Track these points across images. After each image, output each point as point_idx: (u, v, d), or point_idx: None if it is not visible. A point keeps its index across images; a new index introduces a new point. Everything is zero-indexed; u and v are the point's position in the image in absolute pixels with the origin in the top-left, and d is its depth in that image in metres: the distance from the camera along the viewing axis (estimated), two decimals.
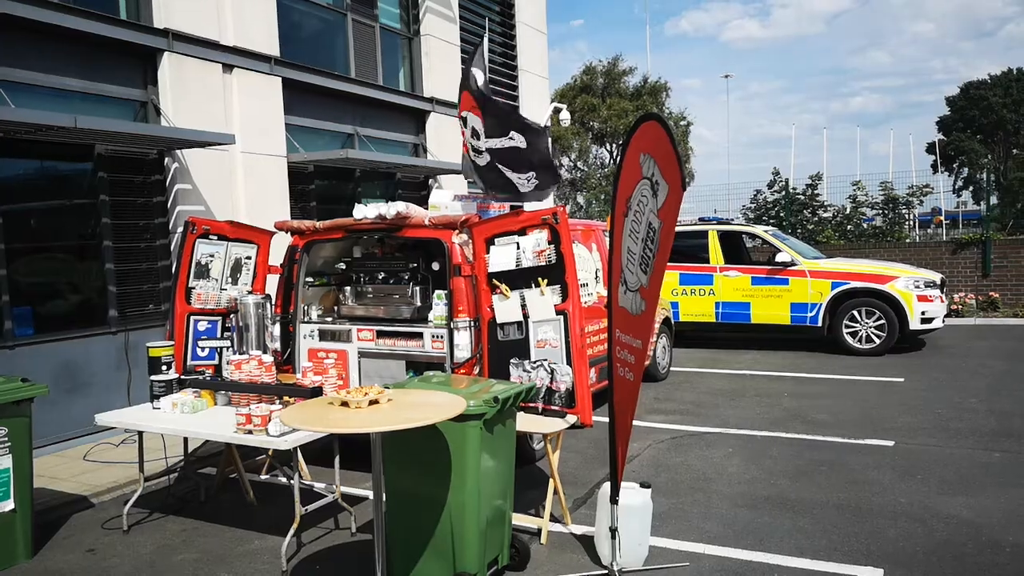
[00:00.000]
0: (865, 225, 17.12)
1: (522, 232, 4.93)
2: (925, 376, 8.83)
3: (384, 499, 3.54)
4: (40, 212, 6.76)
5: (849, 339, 10.32)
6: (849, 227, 16.97)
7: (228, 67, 8.23)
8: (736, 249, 11.53)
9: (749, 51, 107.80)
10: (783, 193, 17.42)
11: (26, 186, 6.65)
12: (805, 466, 5.71)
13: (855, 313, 10.29)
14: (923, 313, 10.06)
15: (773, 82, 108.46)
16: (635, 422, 6.96)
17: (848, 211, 17.03)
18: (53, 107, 6.57)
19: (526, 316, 4.94)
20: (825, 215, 17.25)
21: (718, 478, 5.51)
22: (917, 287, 10.14)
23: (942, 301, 10.34)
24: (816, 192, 17.50)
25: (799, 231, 16.59)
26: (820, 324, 10.41)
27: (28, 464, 4.40)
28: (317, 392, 4.52)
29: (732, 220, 13.96)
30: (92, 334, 6.94)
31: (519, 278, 4.93)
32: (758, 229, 11.79)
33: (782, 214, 17.20)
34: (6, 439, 4.26)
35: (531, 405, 4.77)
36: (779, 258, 10.67)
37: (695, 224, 11.94)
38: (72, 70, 6.88)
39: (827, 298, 10.36)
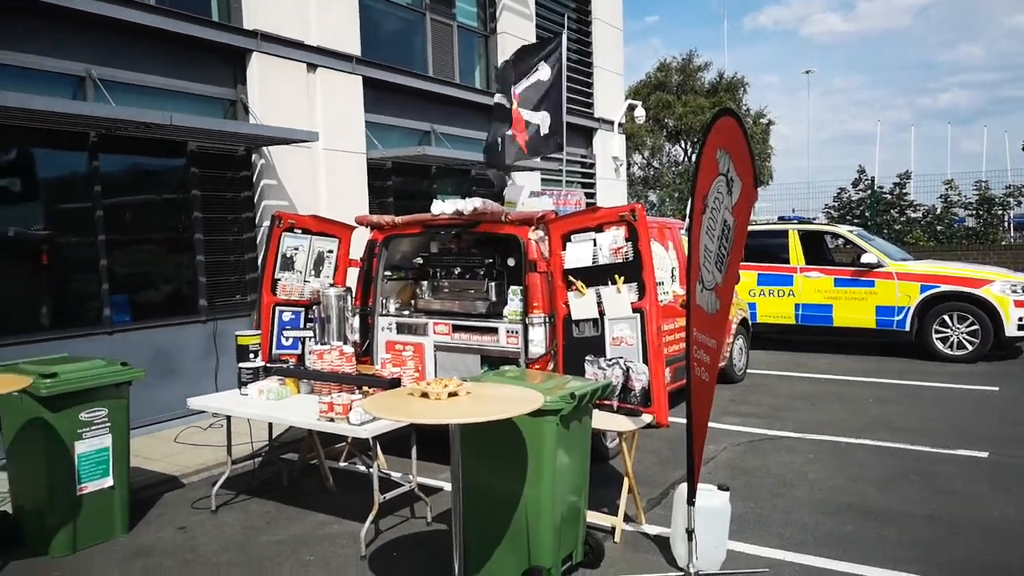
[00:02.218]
0: (957, 226, 16.33)
1: (599, 229, 4.91)
2: (1021, 385, 8.36)
3: (461, 491, 3.59)
4: (136, 206, 7.12)
5: (939, 345, 9.87)
6: (940, 228, 16.22)
7: (312, 66, 8.47)
8: (818, 249, 11.16)
9: (831, 45, 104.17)
10: (869, 192, 16.79)
11: (124, 181, 7.01)
12: (892, 475, 5.50)
13: (946, 318, 9.83)
14: (1020, 319, 9.52)
15: (856, 77, 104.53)
16: (711, 424, 6.84)
17: (939, 211, 16.29)
18: (149, 105, 6.91)
19: (602, 313, 4.92)
20: (914, 215, 16.54)
21: (799, 484, 5.36)
22: (1014, 291, 9.60)
23: None
24: (904, 191, 16.80)
25: (886, 232, 15.96)
26: (908, 329, 9.98)
27: (125, 444, 4.65)
28: (395, 383, 4.62)
29: (813, 219, 13.54)
30: (183, 322, 7.28)
31: (595, 275, 4.92)
32: (842, 229, 11.38)
33: (867, 213, 16.59)
34: (106, 420, 4.51)
35: (606, 403, 4.76)
36: (864, 259, 10.28)
37: (775, 223, 11.64)
38: (167, 70, 7.21)
39: (916, 302, 9.92)
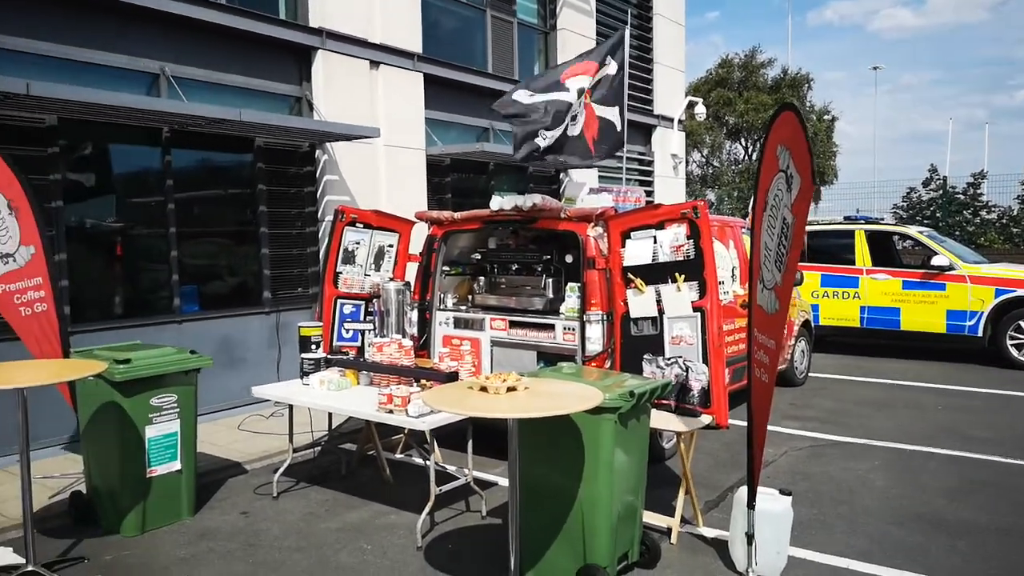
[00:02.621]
0: None
1: (660, 226, 4.85)
2: None
3: (519, 485, 3.59)
4: (205, 200, 7.34)
5: (1014, 352, 9.44)
6: (1016, 230, 15.52)
7: (375, 63, 8.59)
8: (885, 250, 10.79)
9: (900, 41, 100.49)
10: (941, 192, 16.18)
11: (194, 175, 7.24)
12: (963, 485, 5.28)
13: (1022, 323, 9.40)
14: None
15: (927, 74, 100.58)
16: (771, 428, 6.70)
17: (1015, 212, 15.58)
18: (219, 102, 7.11)
19: (661, 312, 4.85)
20: (988, 216, 15.87)
21: (864, 491, 5.20)
22: None
23: None
24: (978, 191, 16.13)
25: (958, 233, 15.36)
26: (980, 334, 9.58)
27: (193, 429, 4.79)
28: (453, 377, 4.65)
29: (881, 220, 13.10)
30: (248, 313, 7.48)
31: (655, 273, 4.85)
32: (911, 230, 10.99)
33: (939, 214, 15.99)
34: (175, 405, 4.66)
35: (664, 402, 4.69)
36: (935, 261, 9.90)
37: (840, 223, 11.30)
38: (236, 67, 7.40)
39: (990, 306, 9.51)
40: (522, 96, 6.65)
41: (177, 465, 4.70)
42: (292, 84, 7.97)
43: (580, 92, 6.75)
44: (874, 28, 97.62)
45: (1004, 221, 15.72)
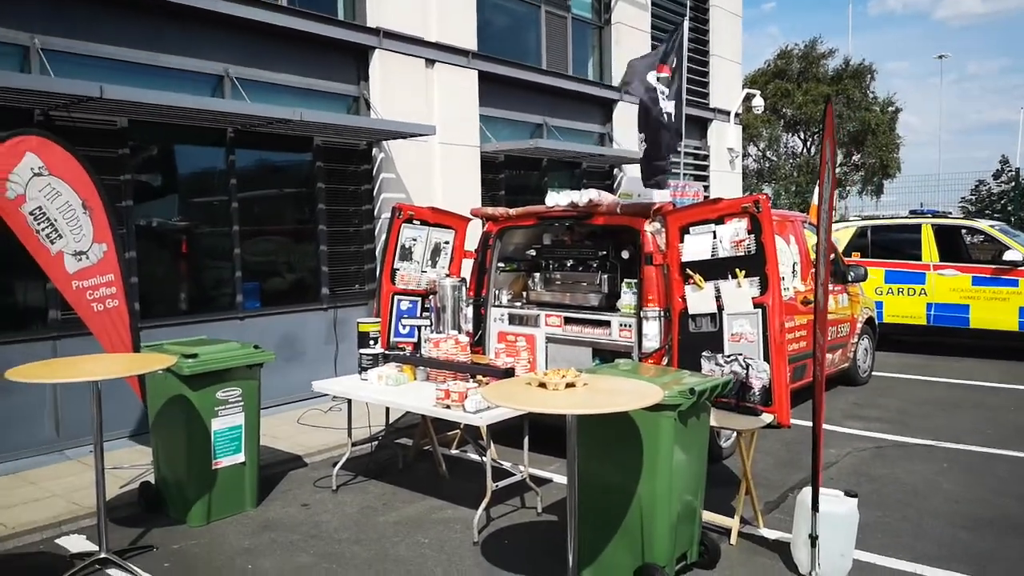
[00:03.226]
0: None
1: (720, 221, 4.74)
2: None
3: (576, 482, 3.57)
4: (266, 199, 7.51)
5: None
6: None
7: (430, 62, 8.65)
8: (953, 245, 10.39)
9: (967, 28, 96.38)
10: (1012, 184, 15.51)
11: (255, 175, 7.41)
12: None
13: None
14: None
15: (995, 62, 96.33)
16: (833, 427, 6.58)
17: None
18: (280, 102, 7.26)
19: (720, 308, 4.76)
20: None
21: (931, 494, 5.02)
22: None
23: None
24: None
25: None
26: None
27: (256, 422, 4.91)
28: (510, 373, 4.65)
29: (948, 213, 12.62)
30: (307, 309, 7.63)
31: (715, 268, 4.75)
32: (982, 224, 10.55)
33: (1010, 207, 15.33)
34: (240, 399, 4.78)
35: (724, 400, 4.60)
36: (1007, 256, 9.48)
37: (905, 217, 10.93)
38: (296, 68, 7.55)
39: None
40: (651, 78, 6.74)
41: (241, 457, 4.82)
42: (350, 84, 8.09)
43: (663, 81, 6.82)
44: (939, 16, 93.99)
45: None
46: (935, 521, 4.57)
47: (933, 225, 10.27)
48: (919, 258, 10.14)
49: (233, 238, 7.03)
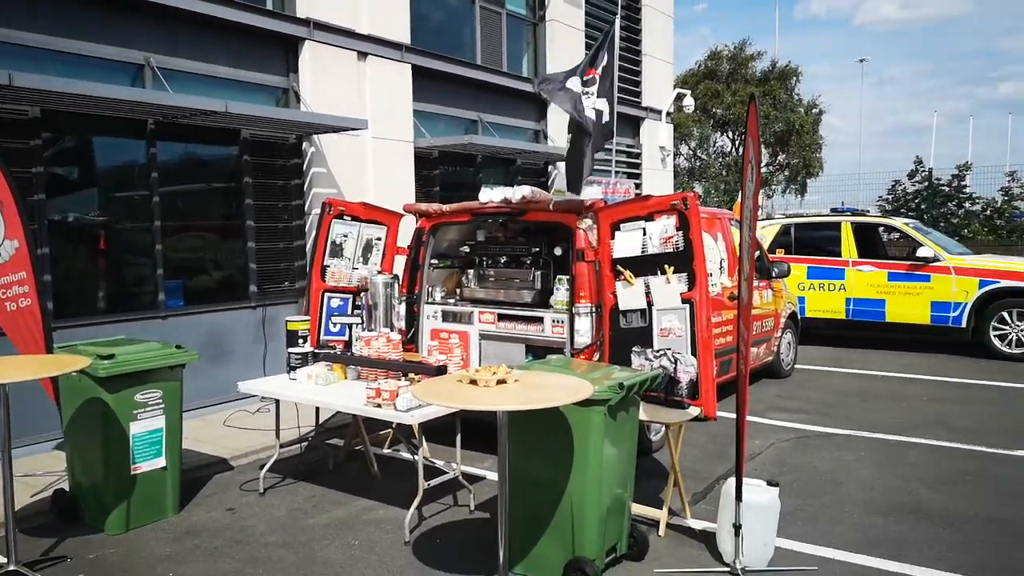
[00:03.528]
0: (1018, 220, 15.75)
1: (649, 218, 4.81)
2: None
3: (508, 478, 3.57)
4: (190, 193, 7.25)
5: (997, 343, 9.52)
6: (1000, 222, 15.66)
7: (363, 55, 8.51)
8: (871, 243, 10.85)
9: (886, 34, 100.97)
10: (925, 184, 16.29)
11: (179, 168, 7.15)
12: (947, 475, 5.32)
13: (1005, 315, 9.48)
14: None
15: (912, 67, 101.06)
16: (757, 419, 6.77)
17: (999, 204, 15.72)
18: (205, 93, 7.01)
19: (650, 304, 4.83)
20: (972, 208, 16.00)
21: (849, 482, 5.22)
22: None
23: None
24: (963, 183, 16.25)
25: (942, 225, 15.47)
26: (964, 325, 9.65)
27: (178, 425, 4.74)
28: (442, 370, 4.62)
29: (866, 212, 13.17)
30: (234, 307, 7.41)
31: (644, 265, 4.83)
32: (897, 221, 11.04)
33: (923, 206, 16.10)
34: (160, 401, 4.61)
35: (653, 394, 4.68)
36: (920, 253, 9.96)
37: (826, 215, 11.35)
38: (222, 58, 7.31)
39: (974, 297, 9.58)
40: (574, 84, 6.76)
41: (162, 462, 4.65)
42: (279, 75, 7.88)
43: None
44: (860, 21, 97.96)
45: (988, 213, 15.86)
46: (852, 508, 4.76)
47: (852, 223, 10.70)
48: (839, 255, 10.55)
49: (155, 234, 6.77)
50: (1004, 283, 9.48)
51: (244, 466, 5.67)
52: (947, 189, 16.13)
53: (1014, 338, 9.45)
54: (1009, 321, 9.46)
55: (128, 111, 6.27)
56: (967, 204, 15.96)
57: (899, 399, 7.64)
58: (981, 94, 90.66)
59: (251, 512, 4.79)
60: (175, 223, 6.98)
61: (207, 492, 5.17)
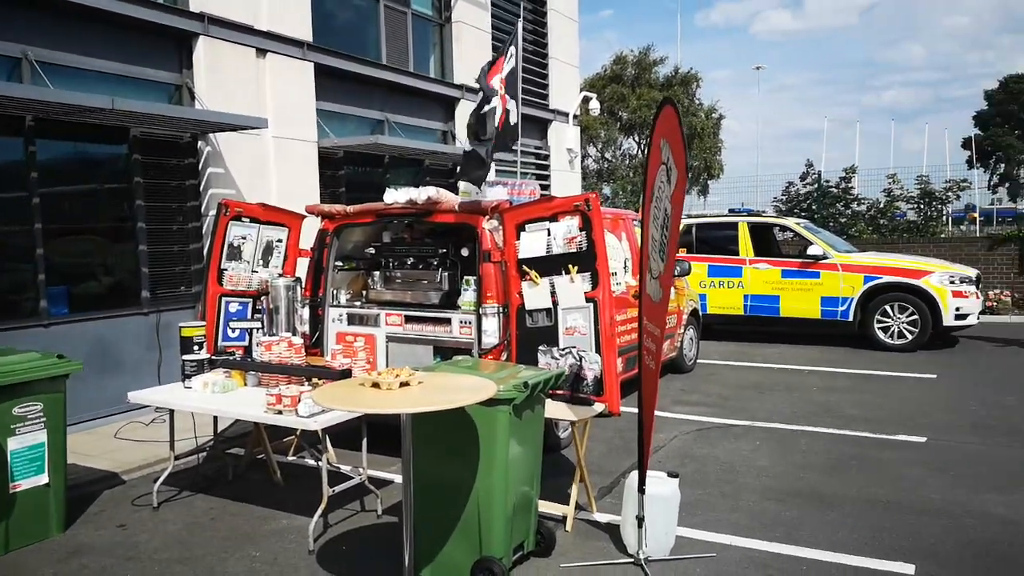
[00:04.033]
0: (899, 220, 16.83)
1: (553, 219, 4.89)
2: (959, 373, 8.66)
3: (412, 482, 3.54)
4: (75, 194, 6.85)
5: (881, 334, 10.15)
6: (883, 221, 16.69)
7: (262, 51, 8.27)
8: (766, 241, 11.37)
9: (780, 43, 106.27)
10: (816, 186, 17.18)
11: (62, 168, 6.74)
12: (835, 460, 5.63)
13: (887, 308, 10.11)
14: (957, 309, 9.85)
15: (804, 74, 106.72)
16: (662, 413, 6.95)
17: (882, 205, 16.75)
18: (90, 89, 6.65)
19: (555, 303, 4.90)
20: (858, 209, 16.99)
21: (746, 470, 5.45)
22: (952, 283, 9.93)
23: (977, 298, 10.10)
24: (849, 185, 17.23)
25: (831, 224, 16.34)
26: (851, 319, 10.24)
27: (62, 440, 4.46)
28: (346, 374, 4.54)
29: (762, 212, 13.78)
30: (124, 314, 7.04)
31: (549, 265, 4.89)
32: (790, 221, 11.62)
33: (814, 207, 16.96)
34: (41, 415, 4.33)
35: (559, 392, 4.75)
36: (811, 251, 10.51)
37: (725, 216, 11.81)
38: (109, 53, 6.94)
39: (859, 292, 10.18)
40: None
41: (44, 479, 4.36)
42: (172, 72, 7.55)
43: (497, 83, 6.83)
44: (756, 30, 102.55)
45: (872, 213, 16.87)
46: (749, 495, 4.96)
47: (748, 223, 11.17)
48: (737, 253, 11.00)
49: (35, 237, 6.35)
50: (886, 278, 10.11)
51: (137, 480, 5.40)
52: (835, 191, 17.06)
53: (896, 330, 10.09)
54: (891, 314, 10.10)
55: (2, 107, 5.85)
56: (853, 205, 16.93)
57: (793, 390, 8.03)
58: (866, 101, 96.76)
59: (144, 528, 4.57)
60: (59, 226, 6.57)
61: (96, 509, 4.89)
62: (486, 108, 6.77)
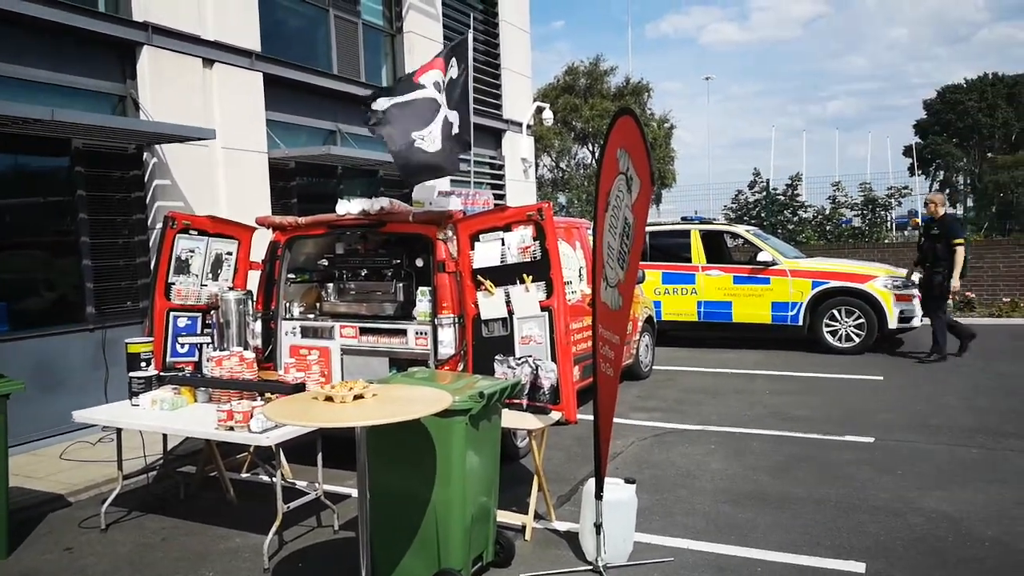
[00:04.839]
0: (844, 226, 17.32)
1: (507, 228, 4.92)
2: (903, 374, 8.94)
3: (368, 496, 3.52)
4: (15, 207, 6.65)
5: (829, 338, 10.42)
6: (829, 227, 17.18)
7: (208, 61, 8.15)
8: (718, 249, 11.60)
9: (728, 54, 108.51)
10: (764, 193, 17.58)
11: (0, 180, 6.53)
12: (785, 462, 5.76)
13: (835, 312, 10.39)
14: (901, 312, 10.17)
15: (752, 85, 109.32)
16: (619, 420, 7.01)
17: (828, 212, 17.24)
18: (30, 100, 6.46)
19: (511, 312, 4.93)
20: (805, 215, 17.46)
21: (701, 474, 5.54)
22: (895, 287, 10.25)
23: (920, 301, 10.45)
24: (796, 192, 17.70)
25: (780, 231, 16.74)
26: (801, 323, 10.50)
27: (3, 462, 4.32)
28: (299, 388, 4.49)
29: (714, 220, 14.05)
30: (69, 331, 6.83)
31: (504, 274, 4.92)
32: (740, 229, 11.88)
33: (763, 214, 17.36)
34: None
35: (516, 402, 4.78)
36: (760, 257, 10.75)
37: (677, 224, 12.00)
38: (50, 63, 6.77)
39: (807, 297, 10.45)
40: (381, 104, 6.62)
41: None
42: (115, 82, 7.39)
43: (437, 86, 6.75)
44: (705, 41, 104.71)
45: (819, 219, 17.34)
46: (704, 499, 5.05)
47: (700, 230, 11.39)
48: (690, 260, 11.19)
49: None
50: (833, 283, 10.40)
51: (84, 502, 5.24)
52: (782, 198, 17.51)
53: (843, 333, 10.38)
54: (839, 318, 10.38)
55: None
56: (800, 212, 17.40)
57: (745, 394, 8.19)
58: (812, 111, 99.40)
59: (92, 550, 4.44)
60: None
61: (41, 532, 4.74)
62: (408, 97, 6.61)
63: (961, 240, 9.33)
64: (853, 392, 8.11)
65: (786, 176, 18.08)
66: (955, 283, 9.33)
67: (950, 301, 13.34)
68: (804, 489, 5.15)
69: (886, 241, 16.92)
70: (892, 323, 10.13)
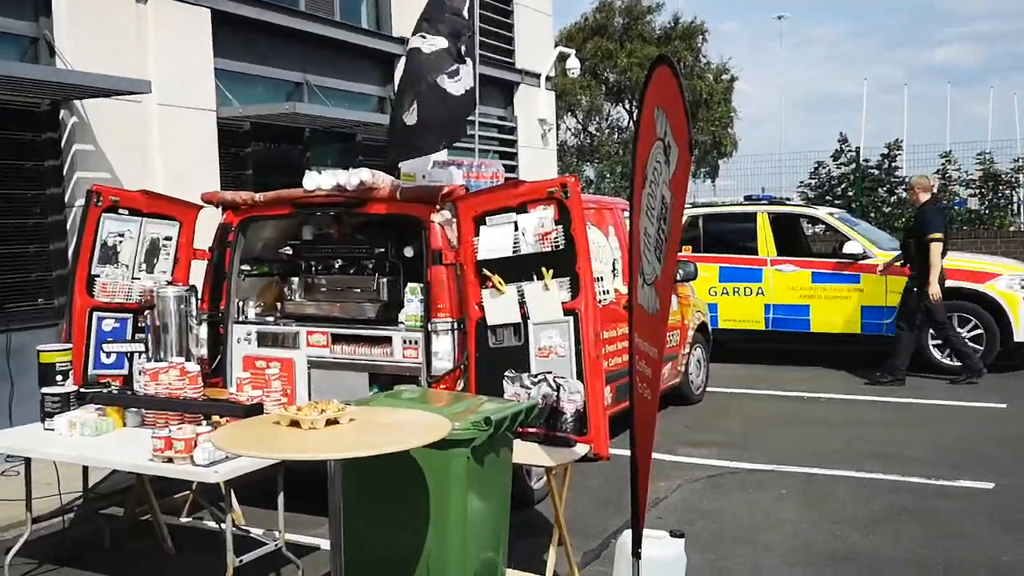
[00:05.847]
0: (957, 208, 17.20)
1: (521, 209, 4.95)
2: None
3: (342, 549, 3.56)
4: None
5: (935, 353, 10.38)
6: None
7: None
8: (792, 237, 11.59)
9: None
10: (852, 166, 17.50)
11: None
12: (879, 513, 5.77)
13: None
14: None
15: (838, 25, 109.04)
16: (662, 456, 7.05)
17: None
18: None
19: (525, 317, 4.96)
20: (905, 195, 17.39)
21: (768, 528, 5.56)
22: None
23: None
24: (895, 165, 17.60)
25: (873, 214, 16.67)
26: None
27: None
28: (256, 410, 4.54)
29: (787, 200, 14.02)
30: None
31: (517, 268, 4.96)
32: (821, 212, 11.87)
33: (851, 192, 17.29)
34: None
35: (531, 431, 4.80)
36: (848, 248, 10.72)
37: (739, 205, 11.99)
38: None
39: None
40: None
41: None
42: (25, 20, 7.52)
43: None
44: None
45: None
46: (773, 558, 5.07)
47: (769, 213, 11.36)
48: (756, 252, 11.17)
49: None
50: (946, 283, 10.33)
51: None
52: (876, 172, 17.43)
53: None
54: None
55: None
56: (899, 190, 17.30)
57: (825, 425, 8.21)
58: (917, 60, 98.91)
59: None
60: None
61: None
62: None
63: (938, 235, 9.28)
64: (967, 424, 8.10)
65: (881, 144, 17.86)
66: (933, 290, 9.30)
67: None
68: (904, 548, 5.16)
69: (1011, 229, 16.78)
70: (1020, 335, 10.05)
